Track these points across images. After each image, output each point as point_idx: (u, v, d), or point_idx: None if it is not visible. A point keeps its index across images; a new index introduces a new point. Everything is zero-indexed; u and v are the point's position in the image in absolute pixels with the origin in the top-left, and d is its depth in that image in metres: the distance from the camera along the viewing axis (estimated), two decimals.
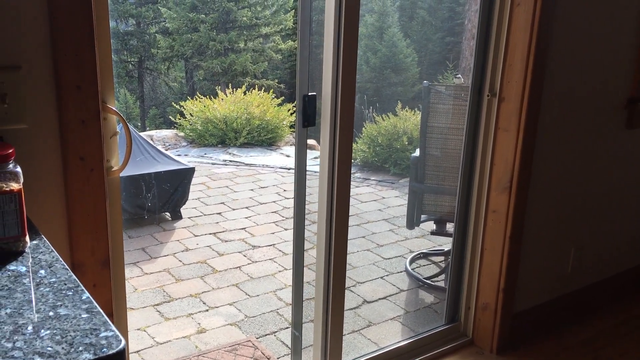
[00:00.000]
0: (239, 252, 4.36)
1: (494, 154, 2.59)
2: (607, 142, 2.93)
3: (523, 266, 2.75)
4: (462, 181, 2.70)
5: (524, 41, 2.40)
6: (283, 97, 9.37)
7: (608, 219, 3.13)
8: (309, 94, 2.09)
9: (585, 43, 2.62)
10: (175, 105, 9.41)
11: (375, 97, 11.13)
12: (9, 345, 0.83)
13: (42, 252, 1.14)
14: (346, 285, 2.39)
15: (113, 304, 1.66)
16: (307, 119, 2.12)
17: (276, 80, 12.94)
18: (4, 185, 1.10)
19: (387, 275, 3.95)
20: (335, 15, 2.03)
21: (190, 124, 8.48)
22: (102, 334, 0.86)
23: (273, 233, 4.79)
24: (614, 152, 2.99)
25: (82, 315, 0.91)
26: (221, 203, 5.59)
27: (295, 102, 2.21)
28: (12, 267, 1.07)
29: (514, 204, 2.57)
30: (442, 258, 4.16)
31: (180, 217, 5.10)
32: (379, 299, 3.59)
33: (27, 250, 1.14)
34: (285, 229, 4.86)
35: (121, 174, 1.68)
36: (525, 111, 2.45)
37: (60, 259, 1.10)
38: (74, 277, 1.03)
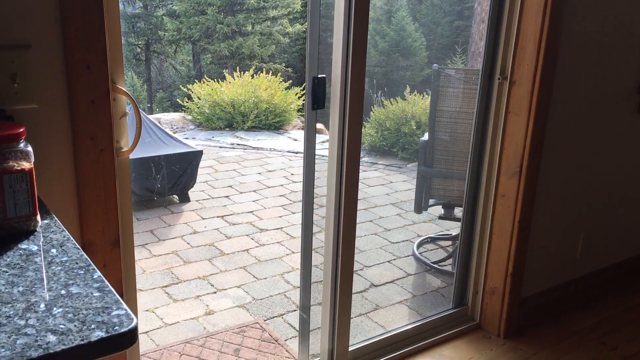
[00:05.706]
0: (247, 235, 4.38)
1: (504, 138, 2.57)
2: (618, 127, 2.91)
3: (531, 251, 2.75)
4: (471, 165, 2.69)
5: (536, 24, 2.37)
6: (291, 81, 9.33)
7: (618, 204, 3.11)
8: (319, 76, 2.08)
9: (598, 26, 2.59)
10: (182, 88, 9.39)
11: (384, 81, 11.07)
12: (22, 322, 0.83)
13: (53, 231, 1.14)
14: (354, 269, 2.39)
15: (123, 284, 1.67)
16: (317, 101, 2.11)
17: (283, 64, 12.88)
18: (15, 165, 1.10)
19: (394, 259, 3.95)
20: None
21: (198, 107, 8.47)
22: (114, 312, 0.86)
23: (280, 216, 4.80)
24: (625, 137, 2.96)
25: (94, 294, 0.91)
26: (229, 186, 5.60)
27: (303, 86, 2.19)
28: (23, 245, 1.08)
29: (523, 188, 2.56)
30: (449, 242, 4.16)
31: (188, 200, 5.11)
32: (387, 282, 3.59)
33: (38, 229, 1.14)
34: (293, 213, 4.87)
35: (130, 156, 1.68)
36: (536, 95, 2.43)
37: (72, 238, 1.11)
38: (85, 256, 1.03)
